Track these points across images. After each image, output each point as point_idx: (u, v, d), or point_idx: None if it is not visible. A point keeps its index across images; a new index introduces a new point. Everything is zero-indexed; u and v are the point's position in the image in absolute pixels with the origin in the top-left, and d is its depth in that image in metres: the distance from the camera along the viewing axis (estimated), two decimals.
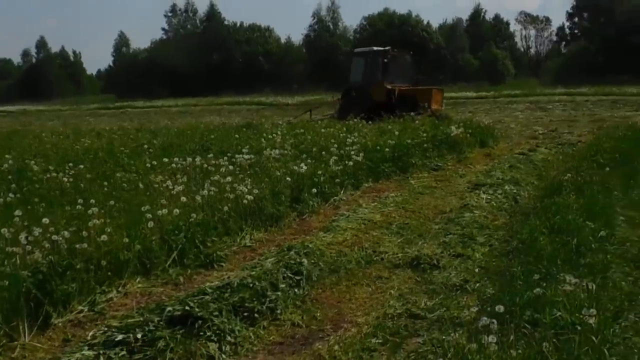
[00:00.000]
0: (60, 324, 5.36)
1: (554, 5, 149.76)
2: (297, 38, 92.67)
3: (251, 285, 5.84)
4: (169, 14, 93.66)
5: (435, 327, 5.22)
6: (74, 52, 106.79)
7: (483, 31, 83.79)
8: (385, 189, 11.58)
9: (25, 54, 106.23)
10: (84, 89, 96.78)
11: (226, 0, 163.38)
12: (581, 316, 4.28)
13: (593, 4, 78.16)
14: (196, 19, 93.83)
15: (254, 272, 6.22)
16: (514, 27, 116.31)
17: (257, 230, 8.39)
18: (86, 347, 4.64)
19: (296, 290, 6.19)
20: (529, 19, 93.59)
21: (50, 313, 5.39)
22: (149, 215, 7.00)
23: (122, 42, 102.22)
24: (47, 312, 5.36)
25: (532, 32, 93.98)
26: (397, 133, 15.14)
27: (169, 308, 5.16)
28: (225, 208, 8.10)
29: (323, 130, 16.46)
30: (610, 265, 6.14)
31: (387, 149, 13.18)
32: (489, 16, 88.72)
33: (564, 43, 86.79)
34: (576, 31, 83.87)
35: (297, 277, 6.37)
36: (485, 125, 19.56)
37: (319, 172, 10.50)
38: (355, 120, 19.90)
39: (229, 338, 5.01)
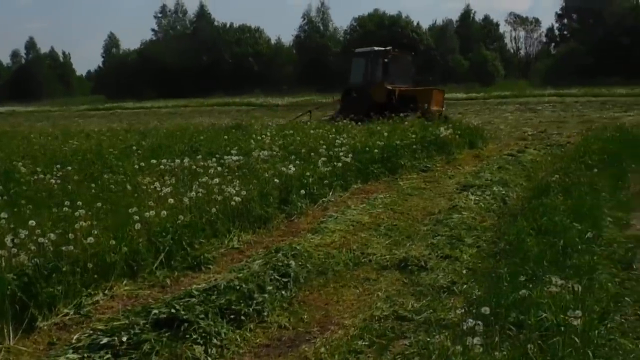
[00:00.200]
0: (45, 327, 5.33)
1: (543, 6, 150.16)
2: (287, 39, 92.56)
3: (238, 287, 5.81)
4: (159, 15, 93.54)
5: (422, 329, 5.20)
6: (64, 53, 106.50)
7: (473, 32, 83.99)
8: (374, 190, 11.59)
9: (15, 54, 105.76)
10: (73, 90, 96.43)
11: (216, 1, 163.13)
12: (566, 318, 4.28)
13: (582, 5, 78.47)
14: (186, 19, 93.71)
15: (241, 274, 6.21)
16: (504, 28, 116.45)
17: (245, 232, 8.37)
18: (71, 351, 4.60)
19: (283, 292, 6.17)
20: (518, 20, 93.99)
21: (36, 316, 5.37)
22: (136, 217, 6.97)
23: (112, 42, 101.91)
24: (32, 315, 5.33)
25: (522, 33, 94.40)
26: (386, 134, 15.15)
27: (155, 311, 5.13)
28: (213, 210, 8.08)
29: (312, 131, 16.43)
30: (596, 266, 6.14)
31: (376, 150, 13.19)
32: (479, 17, 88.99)
33: (553, 44, 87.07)
34: (565, 32, 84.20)
35: (285, 279, 6.35)
36: (475, 127, 19.64)
37: (308, 173, 10.50)
38: (345, 121, 19.86)
39: (215, 341, 4.98)
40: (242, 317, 5.45)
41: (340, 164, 11.53)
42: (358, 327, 5.37)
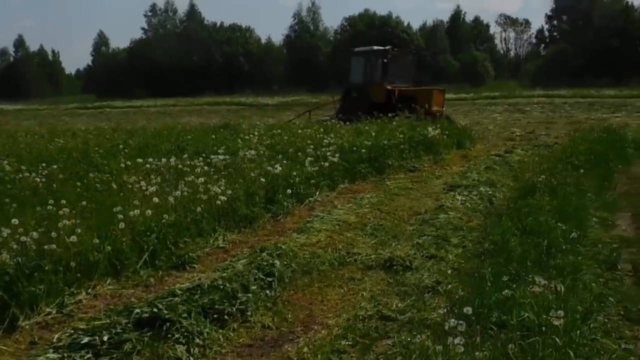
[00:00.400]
0: (27, 327, 5.30)
1: (533, 8, 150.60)
2: (278, 39, 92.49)
3: (222, 287, 5.80)
4: (149, 14, 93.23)
5: (406, 329, 5.19)
6: (53, 51, 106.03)
7: (463, 33, 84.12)
8: (361, 190, 11.59)
9: (3, 52, 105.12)
10: (62, 88, 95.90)
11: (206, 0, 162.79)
12: (548, 318, 4.28)
13: (572, 7, 78.75)
14: (176, 18, 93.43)
15: (225, 274, 6.19)
16: (494, 29, 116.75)
17: (230, 232, 8.35)
18: (51, 350, 4.57)
19: (267, 291, 6.16)
20: (508, 21, 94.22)
21: (17, 315, 5.34)
22: (120, 216, 6.94)
23: (101, 41, 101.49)
24: (14, 314, 5.30)
25: (512, 34, 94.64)
26: (373, 134, 15.14)
27: (137, 310, 5.10)
28: (198, 209, 8.05)
29: (300, 131, 16.42)
30: (580, 266, 6.16)
31: (363, 150, 13.19)
32: (469, 18, 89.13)
33: (543, 45, 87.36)
34: (555, 34, 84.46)
35: (269, 279, 6.34)
36: (463, 127, 19.65)
37: (294, 173, 10.49)
38: (333, 121, 19.80)
39: (197, 340, 4.96)
40: (226, 317, 5.43)
41: (327, 164, 11.52)
42: (342, 327, 5.37)
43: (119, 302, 5.88)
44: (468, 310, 4.39)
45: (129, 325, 4.90)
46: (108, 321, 4.95)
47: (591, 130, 18.64)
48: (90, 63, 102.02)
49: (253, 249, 7.44)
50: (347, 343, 5.02)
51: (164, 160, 10.72)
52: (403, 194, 11.18)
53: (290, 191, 9.81)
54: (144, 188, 8.43)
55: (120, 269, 6.61)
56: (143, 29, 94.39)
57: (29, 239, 6.04)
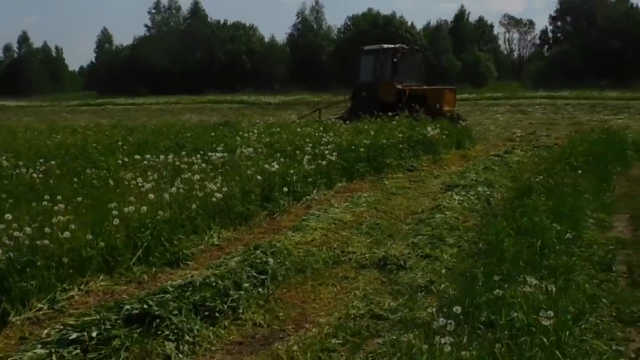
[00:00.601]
0: (18, 322, 5.30)
1: (538, 9, 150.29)
2: (281, 37, 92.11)
3: (214, 284, 5.80)
4: (153, 11, 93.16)
5: (397, 328, 5.19)
6: (57, 48, 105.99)
7: (466, 33, 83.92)
8: (359, 189, 11.57)
9: (7, 49, 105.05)
10: (65, 85, 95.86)
11: None
12: (538, 318, 4.27)
13: (576, 8, 78.65)
14: (179, 16, 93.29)
15: (217, 271, 6.18)
16: (498, 29, 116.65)
17: (225, 229, 8.36)
18: (39, 346, 4.56)
19: (260, 289, 6.16)
20: (512, 22, 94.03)
21: (8, 311, 5.35)
22: (115, 213, 6.94)
23: (105, 38, 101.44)
24: (4, 309, 5.32)
25: (516, 35, 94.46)
26: (372, 133, 15.11)
27: (127, 306, 5.10)
28: (193, 206, 8.04)
29: (299, 129, 16.42)
30: (574, 267, 6.15)
31: (362, 149, 13.19)
32: (473, 19, 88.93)
33: (546, 47, 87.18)
34: (559, 35, 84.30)
35: (262, 277, 6.34)
36: (463, 127, 19.56)
37: (292, 171, 10.48)
38: (332, 120, 19.72)
39: (187, 337, 4.96)
40: (217, 314, 5.44)
41: (325, 162, 11.52)
42: (333, 326, 5.36)
43: (111, 299, 5.88)
44: (457, 309, 4.38)
45: (118, 321, 4.90)
46: (98, 317, 4.95)
47: (591, 132, 18.58)
48: (93, 60, 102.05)
49: (247, 246, 7.43)
50: (337, 342, 5.01)
51: (162, 157, 10.71)
52: (400, 193, 11.18)
53: (286, 189, 9.80)
54: (140, 185, 8.43)
55: (113, 265, 6.61)
56: (146, 26, 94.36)
57: (21, 235, 6.03)
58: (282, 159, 11.13)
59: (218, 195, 8.37)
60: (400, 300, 5.90)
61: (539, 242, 6.64)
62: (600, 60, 65.76)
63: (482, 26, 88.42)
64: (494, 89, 57.92)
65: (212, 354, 4.93)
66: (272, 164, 10.23)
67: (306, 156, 11.54)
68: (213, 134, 16.18)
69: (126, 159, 11.00)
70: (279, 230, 8.51)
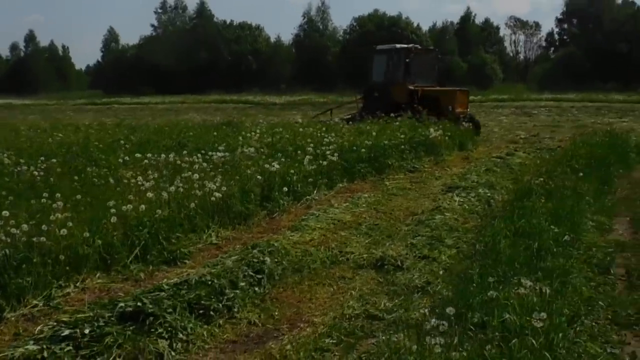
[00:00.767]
0: (13, 318, 5.32)
1: (544, 11, 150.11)
2: (287, 38, 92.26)
3: (209, 282, 5.80)
4: (159, 11, 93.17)
5: (392, 328, 5.17)
6: (63, 47, 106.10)
7: (472, 35, 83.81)
8: (360, 189, 11.58)
9: (14, 47, 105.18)
10: (72, 84, 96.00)
11: None
12: (531, 320, 4.25)
13: (582, 10, 78.49)
14: (185, 16, 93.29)
15: (214, 270, 6.19)
16: (504, 31, 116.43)
17: (224, 228, 8.38)
18: (32, 342, 4.56)
19: (256, 288, 6.16)
20: (518, 23, 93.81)
21: (3, 307, 5.37)
22: (113, 211, 6.95)
23: (111, 37, 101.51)
24: (0, 306, 5.30)
25: (522, 37, 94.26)
26: (374, 134, 15.12)
27: (121, 304, 5.11)
28: (192, 205, 8.05)
29: (301, 129, 16.42)
30: (571, 269, 6.12)
31: (363, 150, 13.18)
32: (479, 20, 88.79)
33: (552, 49, 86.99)
34: (565, 37, 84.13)
35: (259, 276, 6.35)
36: (465, 128, 19.50)
37: (292, 171, 10.48)
38: (336, 121, 19.66)
39: (180, 335, 4.96)
40: (212, 313, 5.45)
41: (326, 163, 11.51)
42: (327, 325, 5.36)
43: (107, 296, 5.89)
44: (450, 310, 4.37)
45: (112, 318, 4.90)
46: (91, 314, 4.95)
47: (593, 134, 18.51)
48: (99, 59, 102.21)
49: (245, 245, 7.43)
50: (331, 341, 5.02)
51: (163, 156, 10.73)
52: (401, 194, 11.18)
53: (286, 189, 9.80)
54: (140, 183, 8.44)
55: (110, 263, 6.63)
56: (153, 25, 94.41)
57: (18, 232, 6.05)
58: (283, 159, 11.13)
59: (217, 194, 8.39)
60: (396, 300, 5.90)
61: (536, 244, 6.61)
62: (606, 63, 65.60)
63: (488, 28, 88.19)
64: (500, 91, 57.84)
65: (205, 353, 4.93)
66: (273, 163, 10.24)
67: (307, 156, 11.54)
68: (215, 133, 16.19)
69: (127, 158, 11.01)
70: (278, 230, 8.52)
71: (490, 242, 7.03)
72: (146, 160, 10.50)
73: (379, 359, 4.26)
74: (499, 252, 6.43)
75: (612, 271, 6.60)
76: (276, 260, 6.79)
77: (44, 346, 4.46)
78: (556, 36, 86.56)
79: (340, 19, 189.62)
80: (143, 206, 7.40)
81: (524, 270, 5.76)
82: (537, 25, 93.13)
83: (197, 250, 7.53)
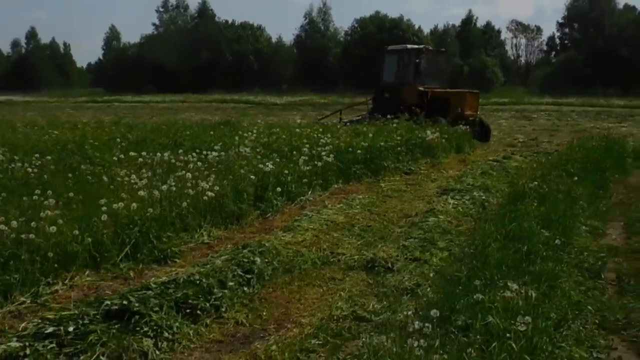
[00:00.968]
0: None
1: (547, 15, 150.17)
2: (288, 38, 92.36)
3: (198, 282, 5.78)
4: (161, 9, 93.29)
5: (379, 330, 5.16)
6: (65, 44, 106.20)
7: (474, 38, 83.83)
8: (355, 190, 11.57)
9: (15, 44, 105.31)
10: (73, 81, 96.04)
11: None
12: (515, 323, 4.24)
13: (583, 15, 78.54)
14: (187, 15, 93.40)
15: (203, 269, 6.17)
16: (505, 35, 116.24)
17: (216, 228, 8.36)
18: (15, 339, 4.54)
19: (245, 288, 6.15)
20: (520, 27, 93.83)
21: None
22: (104, 209, 6.94)
23: (113, 35, 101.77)
24: None
25: (523, 40, 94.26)
26: (371, 135, 15.12)
27: (107, 302, 5.09)
28: (184, 204, 8.03)
29: (298, 130, 16.40)
30: (560, 273, 6.10)
31: (359, 151, 13.16)
32: (481, 24, 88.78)
33: (553, 53, 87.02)
34: (566, 42, 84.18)
35: (248, 276, 6.33)
36: (463, 131, 19.48)
37: (286, 171, 10.46)
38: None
39: (166, 334, 4.94)
40: (199, 312, 5.43)
41: (321, 164, 11.50)
42: (314, 326, 5.34)
43: (94, 294, 5.87)
44: (435, 313, 4.36)
45: (97, 316, 4.88)
46: (76, 312, 4.93)
47: (590, 139, 18.50)
48: (101, 57, 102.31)
49: (237, 245, 7.42)
50: (317, 342, 4.99)
51: (158, 154, 10.72)
52: (396, 196, 11.17)
53: (280, 189, 9.79)
54: (133, 182, 8.43)
55: (100, 261, 6.61)
56: (154, 24, 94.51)
57: (7, 228, 6.04)
58: (278, 159, 11.12)
59: (210, 193, 8.37)
60: (385, 302, 5.87)
61: (526, 248, 6.60)
62: (607, 67, 65.67)
63: (490, 31, 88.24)
64: (500, 95, 57.97)
65: (190, 352, 4.91)
66: (267, 163, 10.23)
67: (302, 157, 11.52)
68: (212, 132, 16.18)
69: (122, 156, 11.01)
70: (270, 230, 8.51)
71: (480, 245, 7.01)
72: (141, 159, 10.47)
73: None
74: (488, 255, 6.40)
75: (602, 276, 6.59)
76: (267, 260, 6.77)
77: (27, 343, 4.44)
78: (557, 40, 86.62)
79: (342, 20, 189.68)
80: (135, 204, 7.38)
81: (512, 273, 5.73)
82: (539, 29, 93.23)
83: (188, 249, 7.52)
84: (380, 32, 75.24)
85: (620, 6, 78.89)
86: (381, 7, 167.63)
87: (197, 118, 28.10)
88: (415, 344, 3.84)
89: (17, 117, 28.08)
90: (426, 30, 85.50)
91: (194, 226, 8.08)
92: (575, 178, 11.13)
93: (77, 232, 6.46)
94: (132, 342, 4.64)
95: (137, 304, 5.07)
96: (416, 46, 24.55)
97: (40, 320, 4.86)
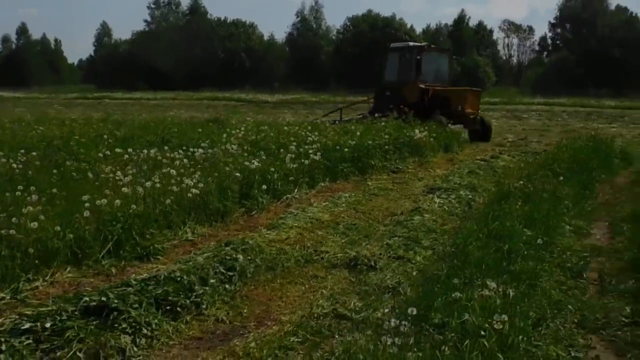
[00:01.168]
0: None
1: (541, 15, 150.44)
2: (281, 36, 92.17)
3: (178, 278, 5.77)
4: (152, 6, 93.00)
5: (359, 328, 5.16)
6: (55, 40, 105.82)
7: (466, 37, 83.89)
8: (341, 189, 11.57)
9: (5, 39, 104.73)
10: (64, 77, 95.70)
11: None
12: (491, 322, 4.25)
13: (576, 15, 78.74)
14: (179, 12, 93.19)
15: (184, 266, 6.17)
16: (497, 35, 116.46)
17: (200, 225, 8.33)
18: None
19: (227, 286, 6.14)
20: (512, 27, 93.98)
21: None
22: (87, 205, 6.92)
23: (104, 32, 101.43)
24: None
25: (515, 40, 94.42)
26: (359, 134, 15.12)
27: (86, 298, 5.07)
28: (168, 201, 8.01)
29: (286, 128, 16.39)
30: (541, 272, 6.12)
31: (346, 149, 13.15)
32: (473, 23, 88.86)
33: (545, 53, 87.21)
34: (558, 42, 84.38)
35: (230, 273, 6.32)
36: (451, 130, 19.45)
37: (272, 169, 10.44)
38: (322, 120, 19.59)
39: (145, 331, 4.93)
40: (179, 309, 5.41)
41: (308, 162, 11.49)
42: (294, 324, 5.33)
43: (75, 291, 5.85)
44: (412, 310, 4.37)
45: (75, 312, 4.87)
46: (54, 308, 4.91)
47: (577, 139, 18.55)
48: (92, 53, 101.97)
49: (220, 242, 7.41)
50: (296, 340, 4.98)
51: (145, 151, 10.70)
52: (382, 194, 11.16)
53: (266, 187, 9.78)
54: (118, 178, 8.41)
55: (81, 257, 6.57)
56: (146, 21, 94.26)
57: None
58: (265, 157, 11.11)
59: (194, 190, 8.35)
60: (366, 300, 5.87)
61: (507, 247, 6.62)
62: (599, 68, 65.88)
63: (482, 31, 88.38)
64: (492, 94, 57.93)
65: (169, 349, 4.90)
66: (253, 161, 10.21)
67: (289, 155, 11.51)
68: (200, 130, 16.17)
69: (108, 152, 10.97)
70: (255, 228, 8.49)
71: (461, 244, 7.03)
72: (127, 156, 10.45)
73: (337, 358, 4.23)
74: (468, 254, 6.42)
75: (584, 275, 6.59)
76: (249, 258, 6.76)
77: (3, 339, 4.42)
78: (549, 41, 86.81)
79: (334, 19, 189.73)
80: (118, 201, 7.36)
81: (492, 272, 5.76)
82: (531, 29, 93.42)
83: (171, 246, 7.49)
84: (373, 31, 75.26)
85: (613, 7, 79.25)
86: (374, 5, 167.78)
87: (187, 115, 28.04)
88: (390, 342, 3.84)
89: (5, 113, 27.97)
90: (418, 29, 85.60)
91: (177, 223, 8.05)
92: (561, 178, 11.17)
93: (58, 228, 6.44)
94: (109, 339, 4.62)
95: (116, 301, 5.06)
96: (418, 43, 24.46)
97: (17, 316, 4.83)
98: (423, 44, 24.51)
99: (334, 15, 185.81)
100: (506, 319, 4.26)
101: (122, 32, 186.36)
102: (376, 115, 21.35)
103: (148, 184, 8.16)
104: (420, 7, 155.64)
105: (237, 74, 77.14)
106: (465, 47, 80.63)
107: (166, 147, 11.54)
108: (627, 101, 47.86)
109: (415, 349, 3.95)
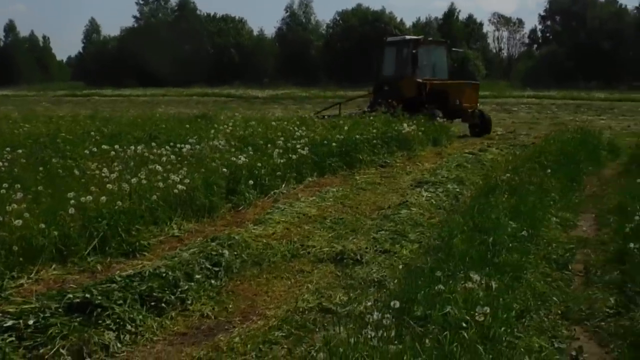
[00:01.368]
0: None
1: (531, 8, 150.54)
2: (270, 31, 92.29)
3: (164, 275, 5.77)
4: (141, 2, 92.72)
5: (344, 322, 5.16)
6: (44, 37, 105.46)
7: (456, 31, 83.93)
8: (329, 183, 11.58)
9: None
10: (53, 75, 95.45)
11: None
12: (473, 313, 4.27)
13: (565, 8, 78.90)
14: (168, 7, 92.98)
15: (170, 262, 6.15)
16: (487, 28, 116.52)
17: (187, 221, 8.32)
18: None
19: (213, 281, 6.14)
20: (502, 20, 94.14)
21: None
22: (73, 202, 6.90)
23: (92, 28, 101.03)
24: None
25: (505, 33, 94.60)
26: (347, 128, 15.11)
27: (70, 295, 5.06)
28: (154, 197, 8.00)
29: (274, 123, 16.36)
30: (526, 264, 6.14)
31: (334, 144, 13.15)
32: (463, 17, 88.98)
33: (535, 46, 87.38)
34: (548, 35, 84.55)
35: (216, 269, 6.32)
36: (440, 124, 19.43)
37: (259, 164, 10.43)
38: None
39: (129, 327, 4.93)
40: (164, 305, 5.42)
41: (295, 157, 11.49)
42: (280, 318, 5.33)
43: (59, 288, 5.83)
44: (395, 304, 4.38)
45: (59, 309, 4.85)
46: (38, 305, 4.90)
47: (565, 131, 18.59)
48: (81, 50, 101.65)
49: (206, 238, 7.40)
50: (281, 334, 4.98)
51: (132, 147, 10.67)
52: (369, 188, 11.17)
53: (253, 182, 9.77)
54: (104, 175, 8.39)
55: (67, 254, 6.55)
56: (134, 17, 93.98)
57: None
58: (252, 152, 11.10)
59: (180, 186, 8.34)
60: (352, 294, 5.88)
61: (491, 239, 6.64)
62: (589, 61, 66.13)
63: (472, 24, 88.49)
64: (482, 88, 57.56)
65: (153, 345, 4.90)
66: (240, 156, 10.20)
67: (277, 150, 11.50)
68: (188, 126, 16.13)
69: (95, 149, 10.93)
70: (242, 223, 8.48)
71: (446, 237, 7.04)
72: (113, 152, 10.42)
73: (317, 352, 4.23)
74: (452, 247, 6.44)
75: (570, 267, 6.62)
76: (235, 253, 6.76)
77: None
78: (539, 33, 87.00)
79: (324, 13, 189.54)
80: (104, 198, 7.34)
81: (476, 265, 5.77)
82: (520, 22, 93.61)
83: (158, 242, 7.47)
84: (363, 25, 75.28)
85: None
86: (364, 0, 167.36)
87: (175, 111, 27.93)
88: (371, 335, 3.85)
89: None
90: (408, 23, 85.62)
91: (164, 219, 8.03)
92: (549, 170, 11.20)
93: (43, 225, 6.42)
94: (93, 335, 4.63)
95: (99, 297, 5.05)
96: (414, 37, 24.27)
97: (0, 314, 4.82)
98: (419, 37, 24.33)
99: (323, 10, 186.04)
100: (488, 311, 4.27)
101: (111, 28, 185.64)
102: (375, 109, 21.17)
103: (134, 180, 8.13)
104: (409, 1, 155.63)
105: (226, 70, 77.08)
106: (455, 40, 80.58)
107: (153, 144, 11.48)
108: (616, 93, 48.11)
109: (396, 342, 3.97)
